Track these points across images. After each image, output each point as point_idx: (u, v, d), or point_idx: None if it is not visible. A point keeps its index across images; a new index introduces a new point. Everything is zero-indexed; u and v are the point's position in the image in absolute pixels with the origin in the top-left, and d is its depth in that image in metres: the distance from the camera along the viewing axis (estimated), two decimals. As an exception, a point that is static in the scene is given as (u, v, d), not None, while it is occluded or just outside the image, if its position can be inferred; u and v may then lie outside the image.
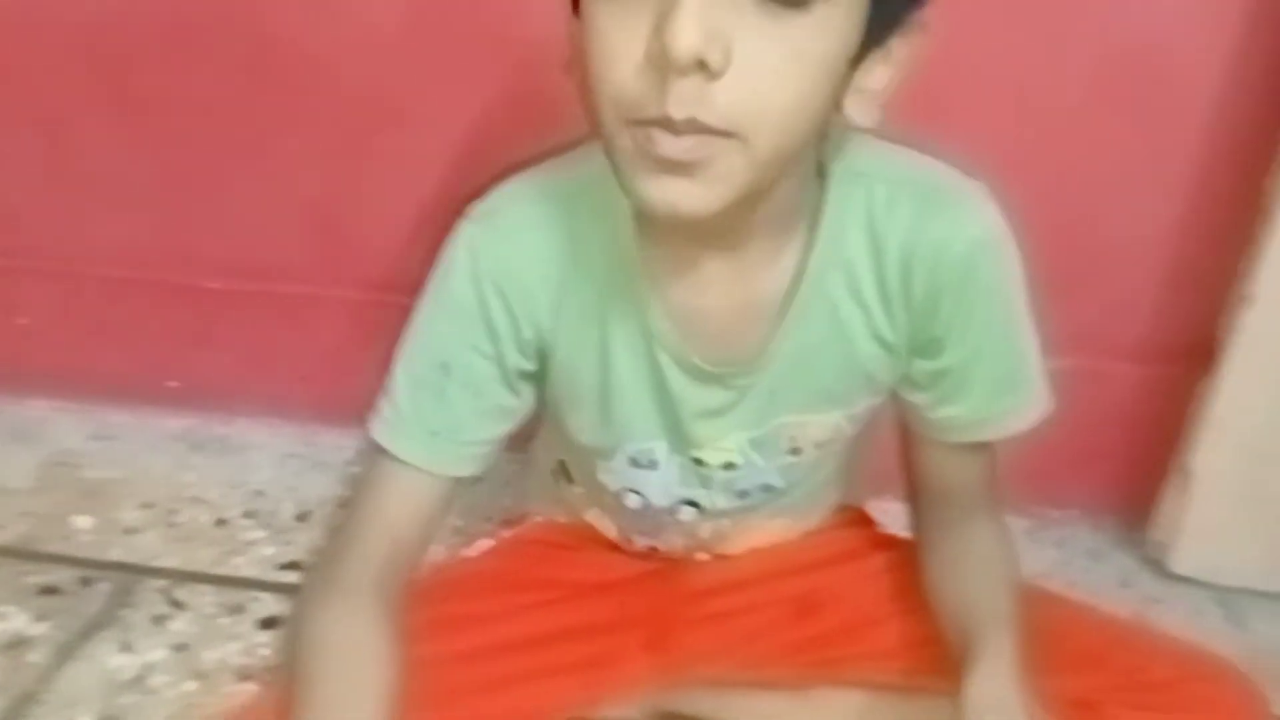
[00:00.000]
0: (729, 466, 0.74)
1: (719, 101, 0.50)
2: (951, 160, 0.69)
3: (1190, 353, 1.03)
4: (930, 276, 0.66)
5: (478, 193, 0.71)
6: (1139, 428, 1.11)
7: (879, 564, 0.80)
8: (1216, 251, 0.99)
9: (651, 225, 0.65)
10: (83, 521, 1.12)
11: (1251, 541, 1.06)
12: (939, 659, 0.70)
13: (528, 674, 0.73)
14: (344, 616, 0.67)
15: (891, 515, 0.83)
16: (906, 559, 0.78)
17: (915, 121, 0.66)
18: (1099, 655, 0.70)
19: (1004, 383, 0.71)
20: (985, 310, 0.68)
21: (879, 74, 0.57)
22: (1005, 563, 0.72)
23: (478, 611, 0.76)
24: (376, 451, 0.70)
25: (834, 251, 0.66)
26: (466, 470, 0.71)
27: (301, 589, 0.71)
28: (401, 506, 0.69)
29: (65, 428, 1.27)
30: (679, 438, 0.73)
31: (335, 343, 1.24)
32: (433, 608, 0.74)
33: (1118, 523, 1.16)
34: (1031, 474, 1.12)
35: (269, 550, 1.09)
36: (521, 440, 0.85)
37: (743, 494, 0.76)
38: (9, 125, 1.16)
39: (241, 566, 1.06)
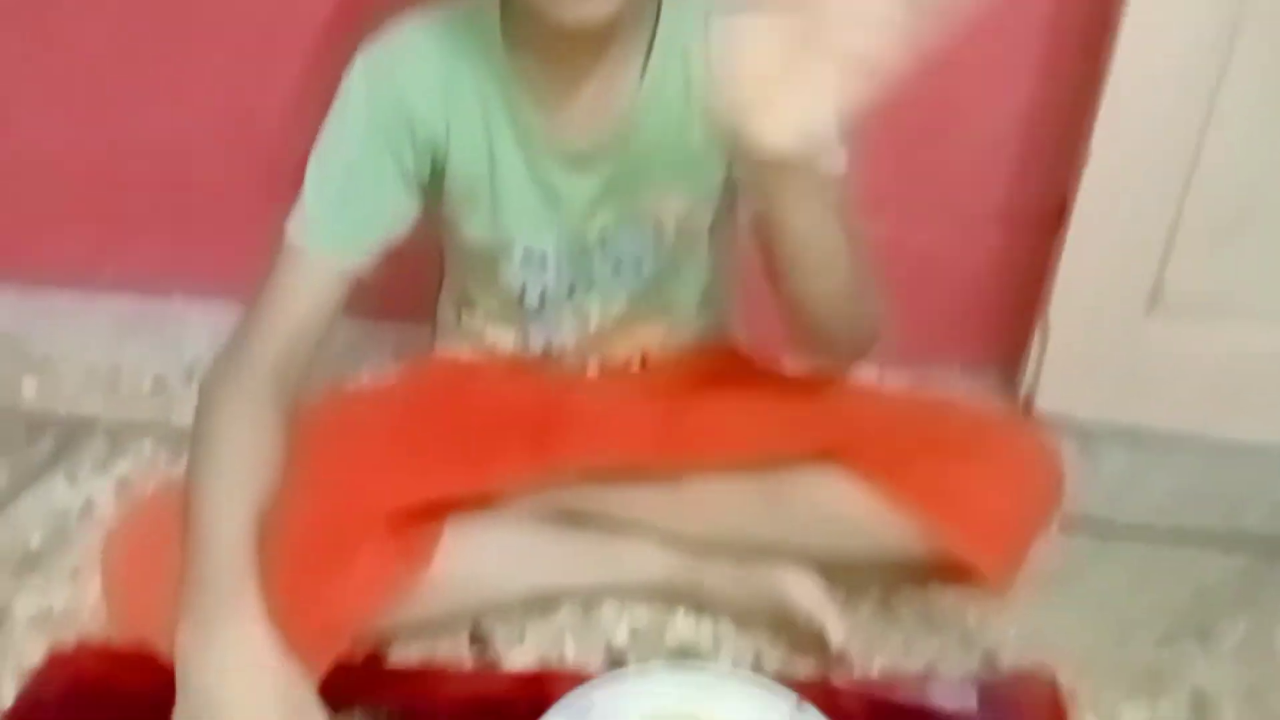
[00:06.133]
0: (604, 242, 0.85)
1: None
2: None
3: (1044, 219, 1.14)
4: None
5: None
6: (1006, 288, 1.22)
7: (736, 380, 0.91)
8: (1061, 129, 1.10)
9: (525, 37, 0.77)
10: (28, 385, 1.20)
11: (1100, 377, 1.17)
12: (781, 446, 0.82)
13: (423, 465, 0.82)
14: (241, 414, 0.73)
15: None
16: (759, 378, 0.90)
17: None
18: (911, 419, 0.83)
19: None
20: None
21: None
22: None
23: (377, 418, 0.86)
24: (284, 251, 0.78)
25: (671, 46, 0.79)
26: (361, 267, 0.79)
27: (208, 371, 0.77)
28: (304, 297, 0.77)
29: (5, 309, 1.31)
30: (562, 228, 0.84)
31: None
32: (337, 414, 0.85)
33: (994, 371, 1.26)
34: (915, 334, 1.23)
35: (207, 406, 1.16)
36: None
37: (618, 266, 0.87)
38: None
39: (180, 419, 1.12)
